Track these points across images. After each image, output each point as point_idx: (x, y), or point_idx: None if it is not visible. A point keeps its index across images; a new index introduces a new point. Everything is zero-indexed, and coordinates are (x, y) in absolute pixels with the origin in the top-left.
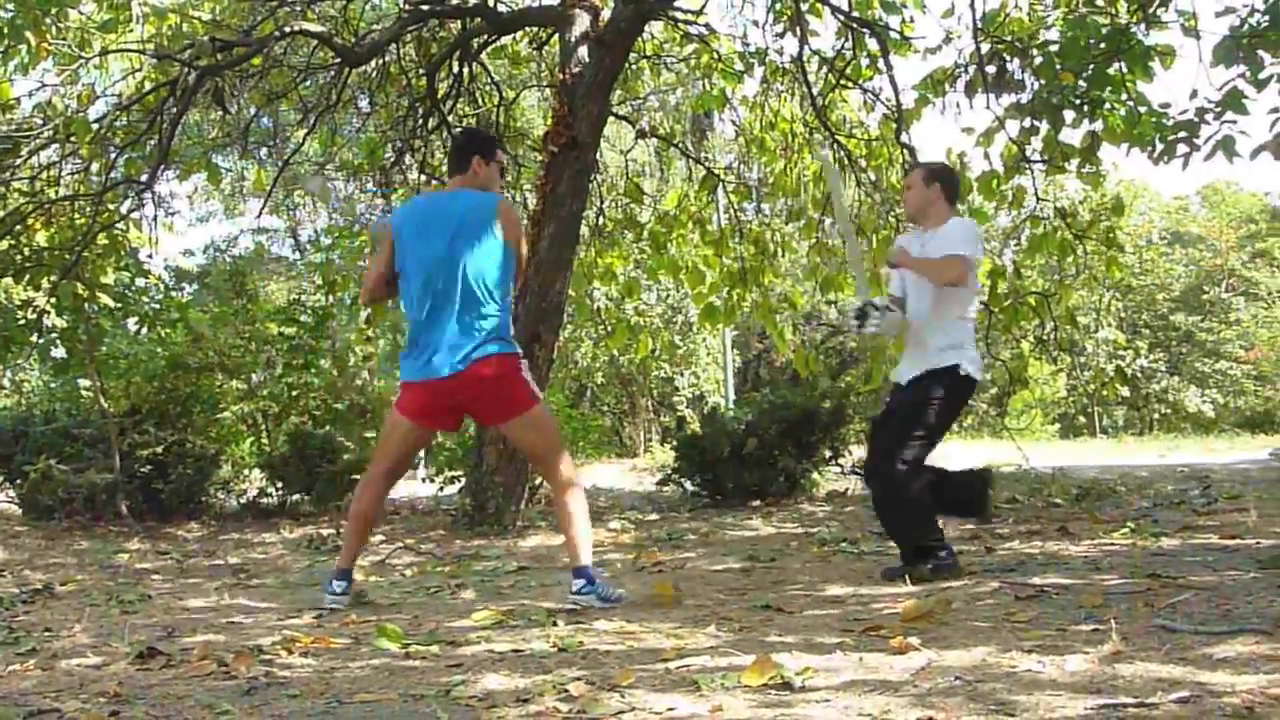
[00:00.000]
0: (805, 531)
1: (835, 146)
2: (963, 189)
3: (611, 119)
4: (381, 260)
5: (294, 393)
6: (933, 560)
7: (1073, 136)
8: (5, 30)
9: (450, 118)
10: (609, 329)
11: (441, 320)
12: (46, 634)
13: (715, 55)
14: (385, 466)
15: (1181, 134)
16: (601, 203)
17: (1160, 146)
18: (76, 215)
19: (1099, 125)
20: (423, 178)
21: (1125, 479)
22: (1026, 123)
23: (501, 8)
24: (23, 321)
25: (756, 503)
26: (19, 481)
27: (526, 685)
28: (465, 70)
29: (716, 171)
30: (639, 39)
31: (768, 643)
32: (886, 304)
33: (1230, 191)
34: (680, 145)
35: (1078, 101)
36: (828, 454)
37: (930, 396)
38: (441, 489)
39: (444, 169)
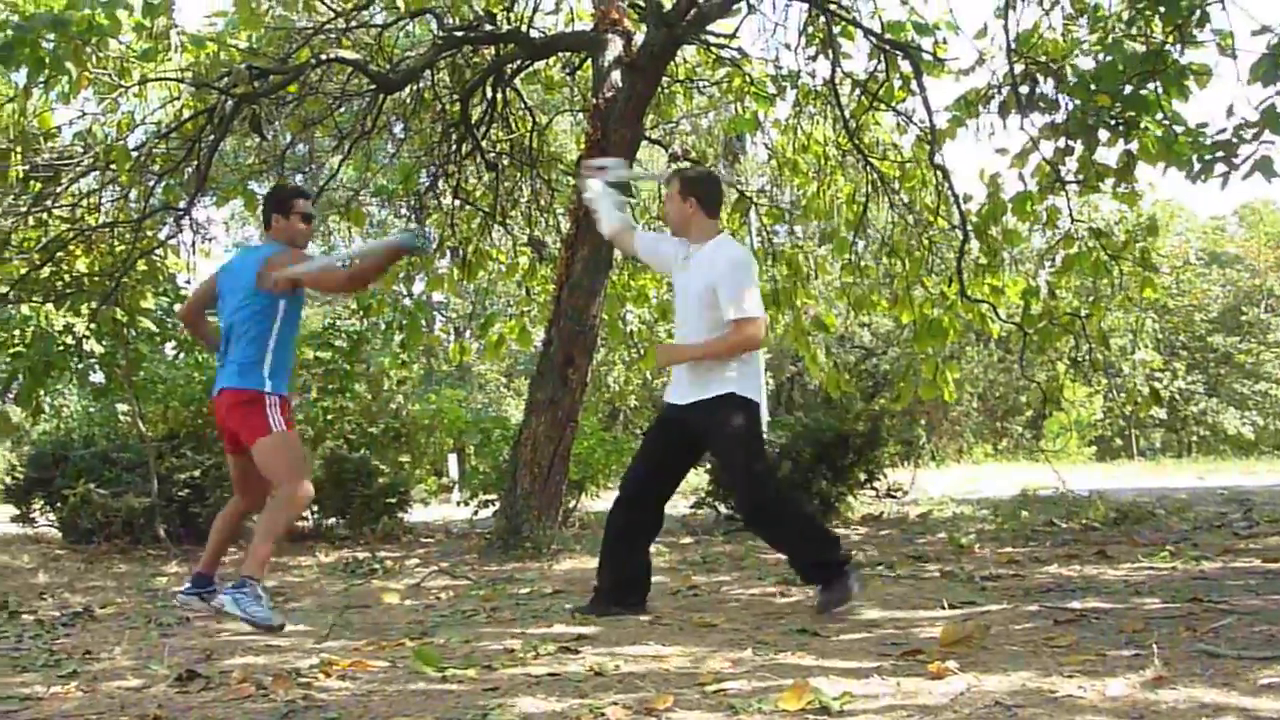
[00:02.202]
0: None
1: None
2: (997, 209)
3: (644, 143)
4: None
5: (329, 416)
6: (852, 576)
7: (1108, 156)
8: (47, 60)
9: (484, 143)
10: (641, 351)
11: (224, 351)
12: (87, 656)
13: (747, 79)
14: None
15: (1219, 153)
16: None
17: (1198, 166)
18: (116, 242)
19: (1134, 145)
20: (456, 203)
21: (1164, 502)
22: (1061, 143)
23: (535, 33)
24: (63, 347)
25: None
26: (59, 505)
27: (563, 709)
28: (499, 95)
29: (749, 194)
30: (671, 63)
31: (804, 667)
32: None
33: (1268, 210)
34: (712, 168)
35: (1113, 121)
36: (862, 477)
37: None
38: (476, 512)
39: (478, 193)
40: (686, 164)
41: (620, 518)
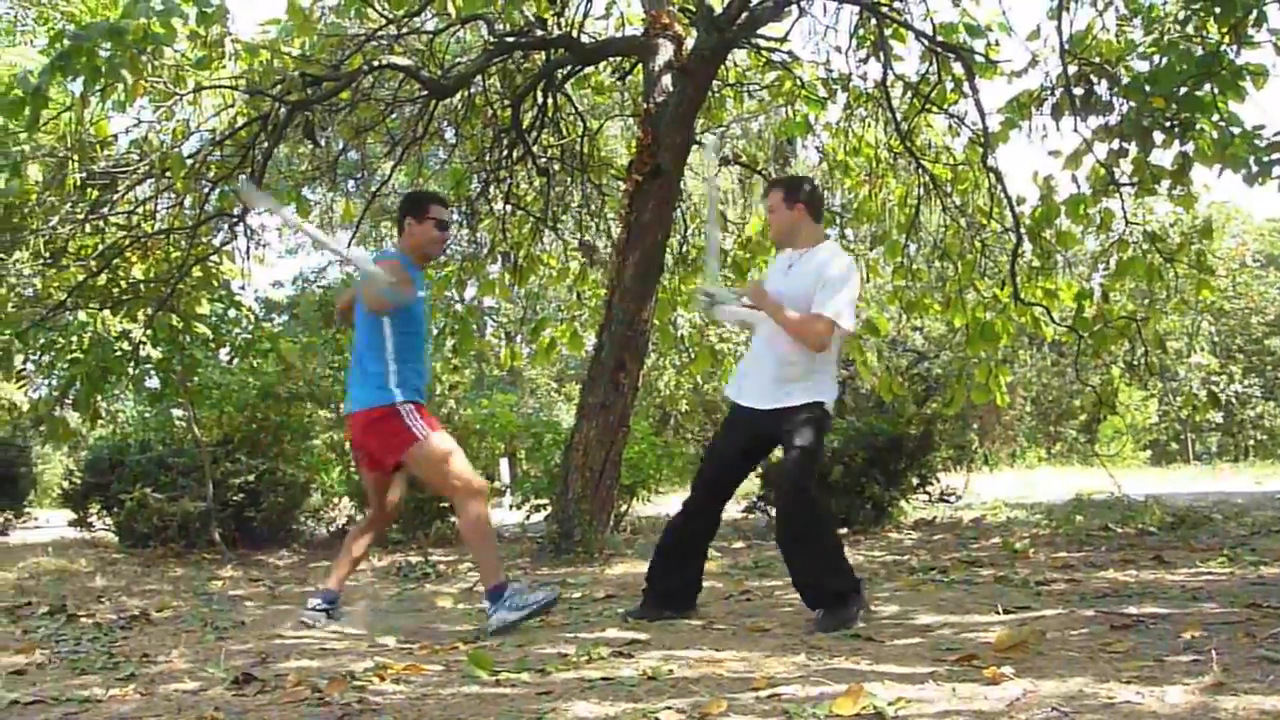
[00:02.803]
0: (894, 560)
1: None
2: (1050, 212)
3: (695, 147)
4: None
5: None
6: (854, 602)
7: (1163, 159)
8: (103, 68)
9: (535, 148)
10: (692, 355)
11: (351, 366)
12: (144, 659)
13: (798, 82)
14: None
15: (1277, 155)
16: (685, 230)
17: (1255, 168)
18: (171, 248)
19: (1190, 147)
20: (508, 208)
21: (1221, 506)
22: (1115, 145)
23: (585, 38)
24: (119, 353)
25: (843, 531)
26: (115, 509)
27: (616, 714)
28: (550, 101)
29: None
30: (722, 67)
31: (859, 672)
32: (733, 297)
33: None
34: (764, 172)
35: (1168, 123)
36: (915, 481)
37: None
38: (528, 517)
39: (530, 198)
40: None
41: (683, 524)
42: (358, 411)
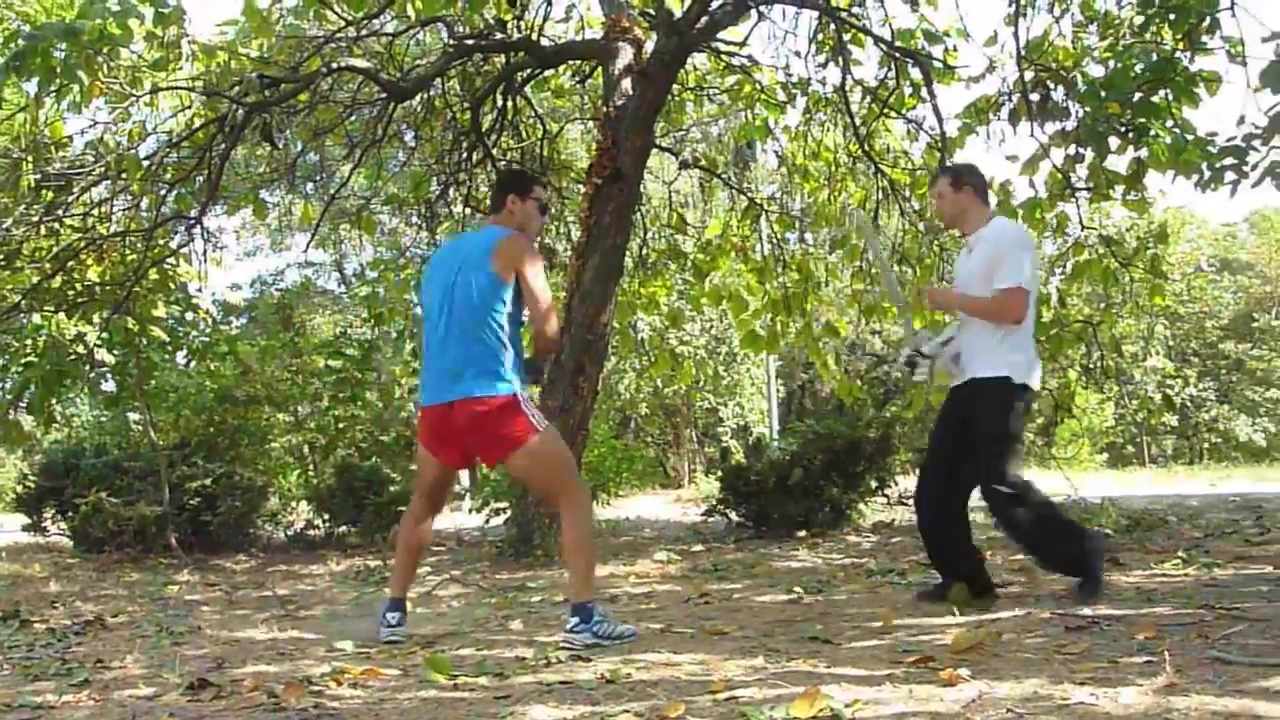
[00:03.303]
0: (852, 562)
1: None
2: (1007, 216)
3: (655, 150)
4: None
5: (340, 425)
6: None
7: (1118, 164)
8: (58, 69)
9: (494, 151)
10: (652, 359)
11: (441, 350)
12: (99, 665)
13: (758, 86)
14: (417, 497)
15: (1229, 160)
16: (645, 234)
17: (1208, 174)
18: (127, 251)
19: (1144, 152)
20: (467, 211)
21: (1176, 509)
22: (1071, 150)
23: (545, 42)
24: (74, 356)
25: (802, 534)
26: (71, 514)
27: (574, 717)
28: (509, 104)
29: (759, 201)
30: (681, 71)
31: (816, 674)
32: (936, 349)
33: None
34: (723, 176)
35: (1123, 129)
36: (874, 484)
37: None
38: (487, 521)
39: (489, 202)
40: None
41: (924, 503)
42: (465, 400)
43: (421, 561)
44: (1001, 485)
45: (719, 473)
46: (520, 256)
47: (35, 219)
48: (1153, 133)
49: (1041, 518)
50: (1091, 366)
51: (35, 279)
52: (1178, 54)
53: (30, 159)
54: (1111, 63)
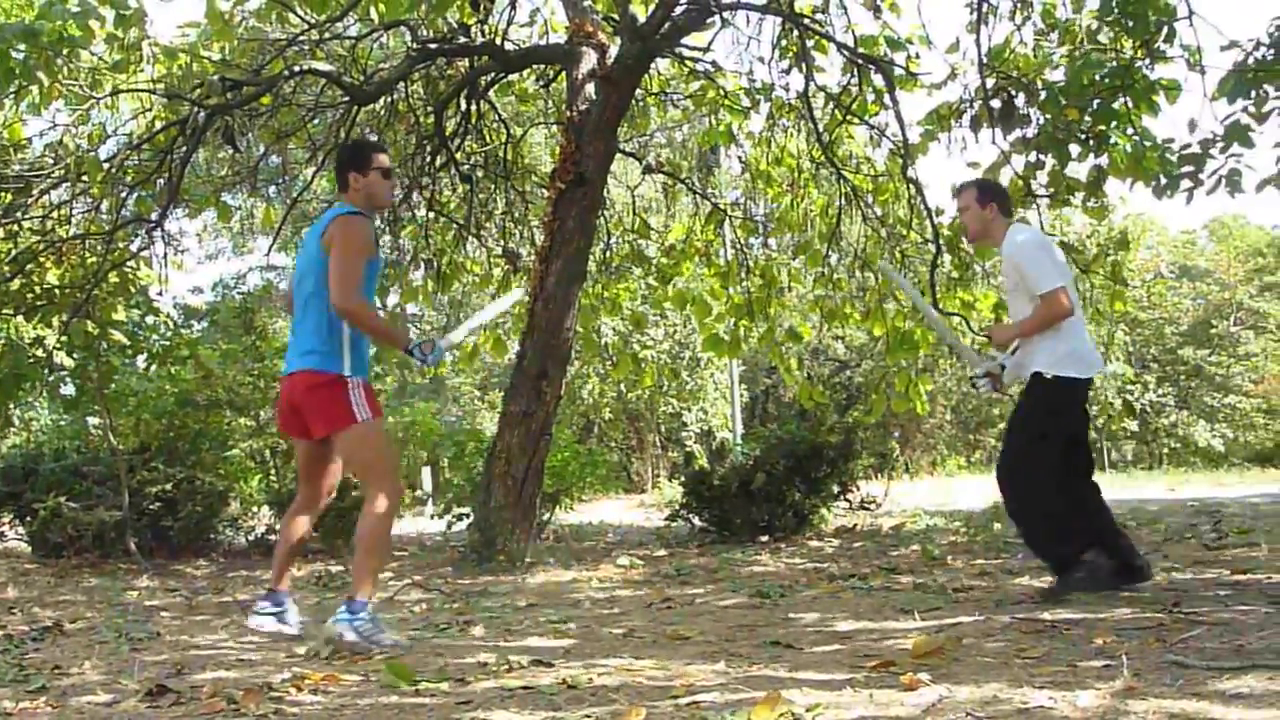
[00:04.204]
0: (814, 567)
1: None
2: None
3: (618, 155)
4: None
5: None
6: (1080, 569)
7: (1078, 171)
8: (17, 70)
9: (458, 155)
10: (615, 362)
11: (293, 327)
12: (56, 671)
13: (721, 91)
14: (299, 484)
15: (1187, 168)
16: (609, 238)
17: (1165, 180)
18: (87, 254)
19: (1104, 160)
20: (430, 215)
21: (1135, 513)
22: (1032, 157)
23: (509, 46)
24: (33, 359)
25: (765, 538)
26: (28, 519)
27: None
28: (473, 107)
29: (723, 206)
30: (645, 76)
31: (777, 679)
32: (1007, 359)
33: (1238, 225)
34: (687, 181)
35: (1083, 136)
36: (836, 489)
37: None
38: (450, 525)
39: (453, 205)
40: None
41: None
42: (301, 372)
43: (298, 554)
44: (1012, 478)
45: (682, 477)
46: (336, 235)
47: None
48: (1112, 140)
49: (1046, 517)
50: None
51: None
52: (1137, 62)
53: None
54: (1070, 71)
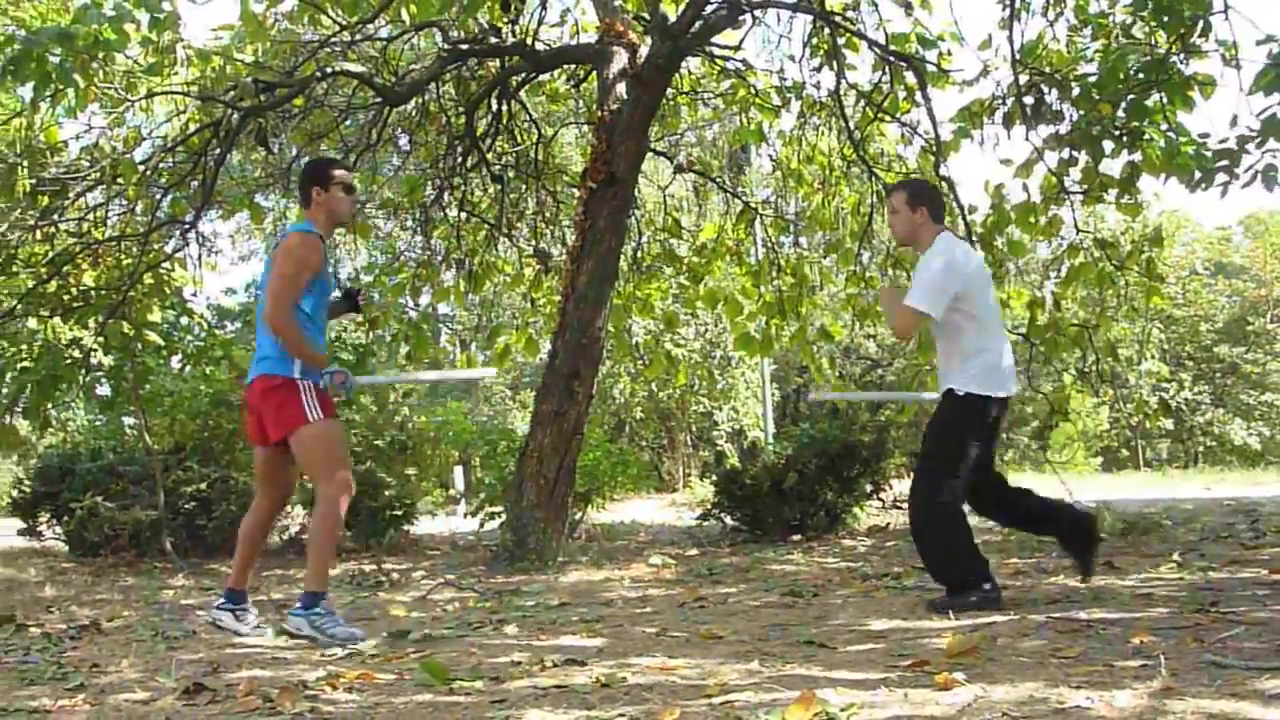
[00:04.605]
0: (847, 566)
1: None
2: (1001, 221)
3: (649, 154)
4: None
5: None
6: (975, 593)
7: (1112, 167)
8: (54, 74)
9: (489, 155)
10: (647, 362)
11: (258, 335)
12: (94, 669)
13: (752, 90)
14: (257, 484)
15: (1222, 163)
16: (640, 238)
17: (1199, 176)
18: (123, 255)
19: (1138, 156)
20: (462, 215)
21: (1171, 512)
22: (1065, 154)
23: (540, 46)
24: (70, 360)
25: (797, 537)
26: (65, 518)
27: None
28: (504, 108)
29: (754, 205)
30: (676, 75)
31: (811, 678)
32: None
33: (1274, 221)
34: (718, 180)
35: (1117, 132)
36: (868, 488)
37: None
38: (482, 524)
39: (484, 206)
40: None
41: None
42: (257, 378)
43: (258, 554)
44: (917, 498)
45: (714, 477)
46: (278, 253)
47: (31, 223)
48: (1146, 136)
49: (948, 546)
50: (1086, 370)
51: (31, 283)
52: (1172, 57)
53: (26, 164)
54: (1104, 66)
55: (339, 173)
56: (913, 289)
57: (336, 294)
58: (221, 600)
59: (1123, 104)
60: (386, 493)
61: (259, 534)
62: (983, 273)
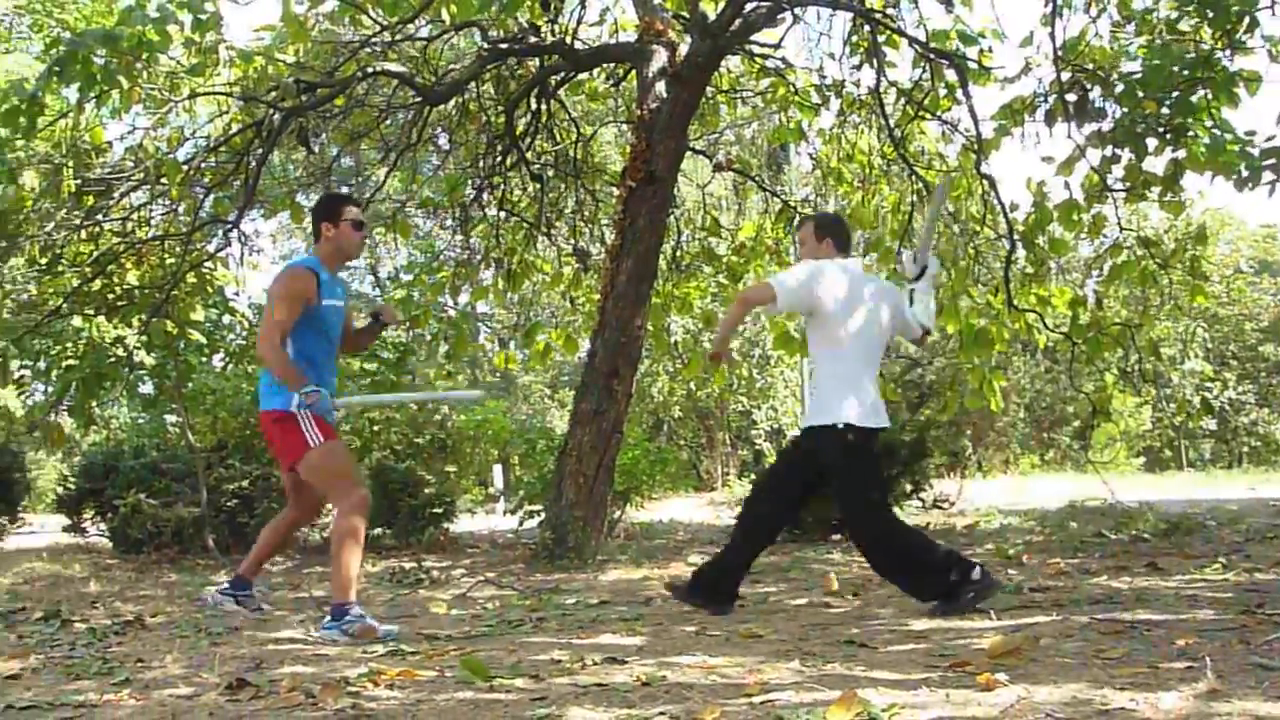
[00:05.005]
0: None
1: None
2: (1043, 219)
3: (689, 153)
4: None
5: (375, 427)
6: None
7: (1156, 165)
8: (99, 75)
9: (529, 154)
10: (685, 361)
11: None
12: (139, 664)
13: (792, 88)
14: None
15: (1269, 161)
16: (679, 236)
17: (1245, 174)
18: (166, 255)
19: (1182, 153)
20: (502, 214)
21: (1215, 513)
22: (1108, 151)
23: (579, 45)
24: (114, 359)
25: (836, 536)
26: (109, 515)
27: (611, 719)
28: (543, 107)
29: (793, 204)
30: (715, 74)
31: (852, 678)
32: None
33: None
34: (757, 178)
35: (1160, 129)
36: (908, 488)
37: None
38: (521, 523)
39: (523, 204)
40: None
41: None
42: (262, 411)
43: (277, 556)
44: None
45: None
46: (272, 286)
47: (76, 223)
48: (1191, 133)
49: (909, 556)
50: (1129, 370)
51: (76, 282)
52: (1217, 53)
53: (71, 164)
54: (1148, 62)
55: (349, 209)
56: (780, 273)
57: (362, 319)
58: (225, 585)
59: (1167, 101)
60: (426, 491)
61: (277, 537)
62: (854, 294)
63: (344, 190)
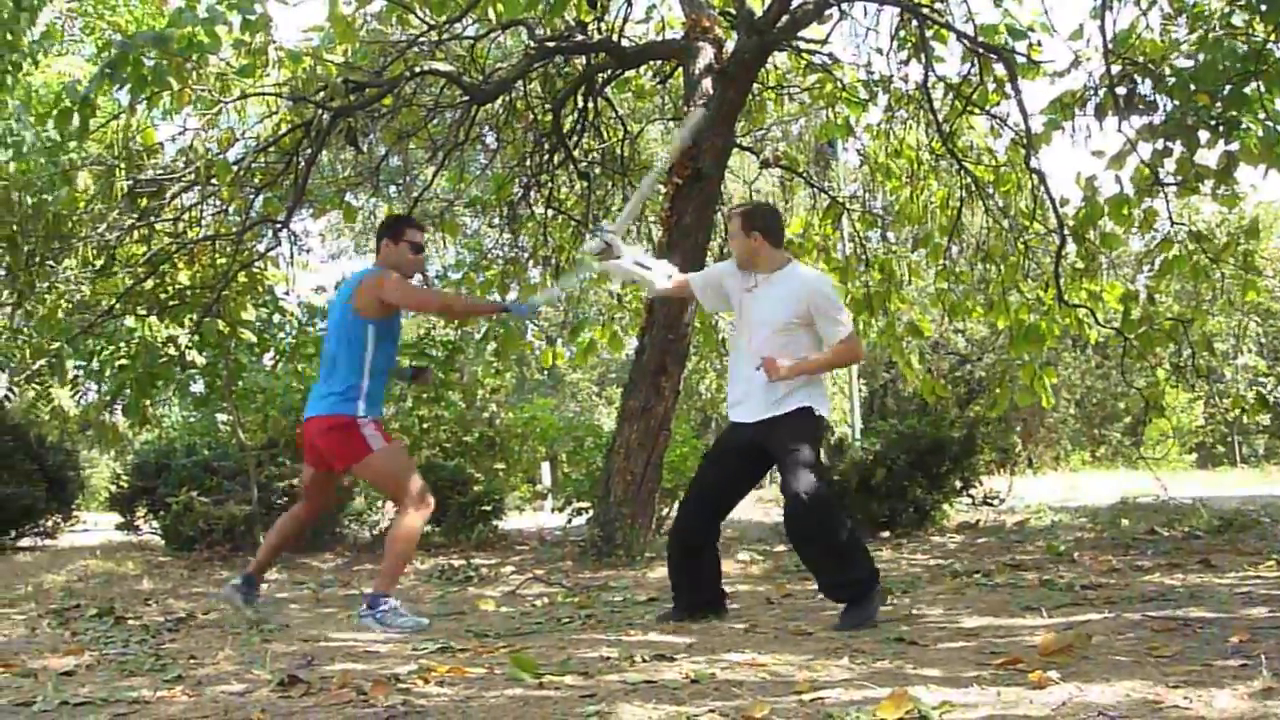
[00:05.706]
0: (937, 563)
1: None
2: (1094, 213)
3: (736, 150)
4: None
5: (424, 425)
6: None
7: (1208, 158)
8: (150, 77)
9: (576, 152)
10: None
11: (319, 381)
12: (191, 661)
13: (839, 84)
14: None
15: None
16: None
17: None
18: (217, 254)
19: (1235, 146)
20: (549, 212)
21: (1269, 509)
22: (1159, 144)
23: (626, 42)
24: (166, 358)
25: (886, 534)
26: (162, 513)
27: (660, 716)
28: (590, 104)
29: (841, 200)
30: (762, 70)
31: (902, 675)
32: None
33: None
34: (804, 174)
35: (1212, 122)
36: (958, 484)
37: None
38: (569, 520)
39: (571, 203)
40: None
41: (682, 541)
42: (315, 418)
43: (281, 556)
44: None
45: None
46: (375, 288)
47: (129, 224)
48: (1244, 126)
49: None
50: (1181, 365)
51: (129, 282)
52: (1269, 45)
53: (124, 165)
54: (1200, 55)
55: (412, 232)
56: (839, 317)
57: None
58: (238, 581)
59: (1219, 94)
60: (475, 488)
61: (287, 534)
62: None
63: (391, 191)
